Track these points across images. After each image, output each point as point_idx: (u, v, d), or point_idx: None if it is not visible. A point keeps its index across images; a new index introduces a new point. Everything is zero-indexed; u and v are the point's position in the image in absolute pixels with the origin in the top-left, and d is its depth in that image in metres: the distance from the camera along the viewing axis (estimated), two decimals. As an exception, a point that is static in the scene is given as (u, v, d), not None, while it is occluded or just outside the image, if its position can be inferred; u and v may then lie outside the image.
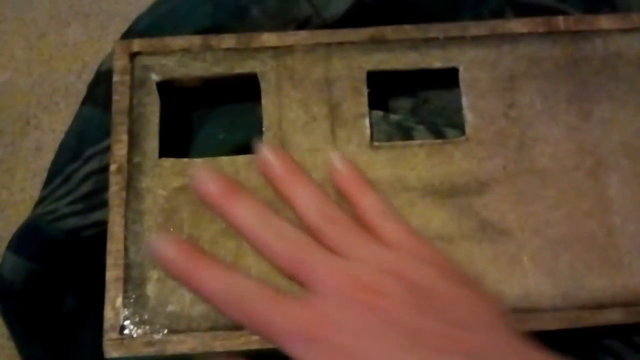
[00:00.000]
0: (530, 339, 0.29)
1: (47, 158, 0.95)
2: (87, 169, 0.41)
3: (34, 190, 0.94)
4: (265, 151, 0.33)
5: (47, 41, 1.04)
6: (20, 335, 0.42)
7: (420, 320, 0.27)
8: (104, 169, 0.40)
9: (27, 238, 0.41)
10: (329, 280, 0.28)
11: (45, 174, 0.96)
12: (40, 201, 0.43)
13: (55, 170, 0.43)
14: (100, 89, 0.43)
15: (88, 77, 1.05)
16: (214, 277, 0.29)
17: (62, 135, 0.97)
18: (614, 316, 0.35)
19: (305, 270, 0.29)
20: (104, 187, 0.40)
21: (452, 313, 0.28)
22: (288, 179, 0.32)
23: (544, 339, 0.35)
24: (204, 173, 0.32)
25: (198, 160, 0.37)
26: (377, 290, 0.28)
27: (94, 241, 0.40)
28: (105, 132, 0.40)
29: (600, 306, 0.35)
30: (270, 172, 0.32)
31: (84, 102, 0.44)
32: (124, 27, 1.14)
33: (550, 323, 0.35)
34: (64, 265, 0.41)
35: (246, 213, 0.30)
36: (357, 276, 0.28)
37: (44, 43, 1.04)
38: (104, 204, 0.39)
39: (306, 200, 0.31)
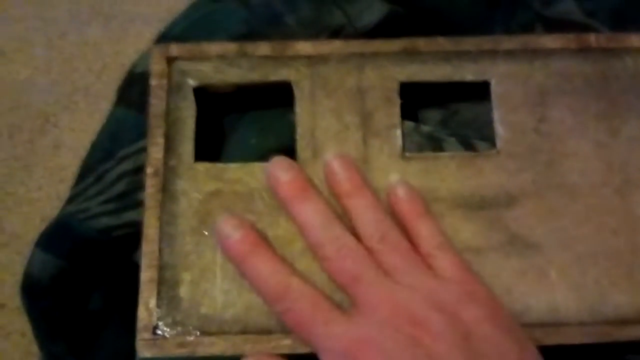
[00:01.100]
0: None
1: (65, 156, 0.97)
2: (120, 169, 0.42)
3: (52, 188, 0.95)
4: (334, 161, 0.33)
5: (68, 40, 1.05)
6: (44, 332, 0.42)
7: (456, 359, 0.27)
8: (138, 170, 0.40)
9: (57, 236, 0.42)
10: (378, 302, 0.29)
11: (63, 173, 0.98)
12: (71, 199, 0.43)
13: (87, 169, 0.43)
14: (133, 90, 0.44)
15: (107, 77, 1.07)
16: (271, 269, 0.30)
17: (80, 134, 0.98)
18: (638, 332, 0.35)
19: (357, 286, 0.29)
20: (136, 187, 0.40)
21: (491, 357, 0.28)
22: (353, 194, 0.32)
23: (569, 353, 0.36)
24: (282, 163, 0.32)
25: (232, 165, 0.38)
26: (423, 323, 0.28)
27: (125, 241, 0.41)
28: (139, 133, 0.41)
29: (625, 322, 0.35)
30: (337, 184, 0.33)
31: (117, 103, 0.45)
32: (144, 29, 1.16)
33: (576, 337, 0.35)
34: (92, 264, 0.41)
35: (313, 214, 0.31)
36: (406, 305, 0.29)
37: (65, 42, 1.05)
38: (136, 205, 0.40)
39: (367, 219, 0.32)
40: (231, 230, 0.31)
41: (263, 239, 0.31)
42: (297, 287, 0.30)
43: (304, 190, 0.32)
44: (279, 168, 0.32)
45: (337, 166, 0.33)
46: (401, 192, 0.34)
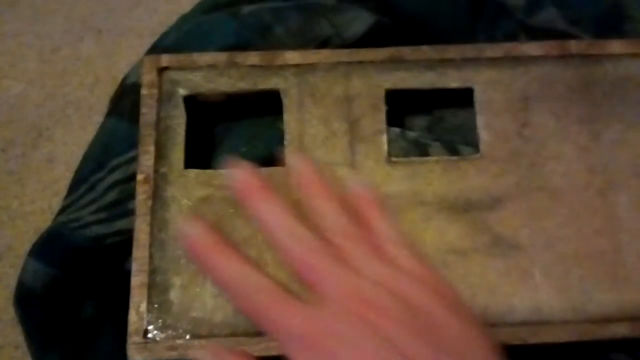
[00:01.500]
0: None
1: (58, 170, 0.97)
2: (111, 178, 0.42)
3: (45, 201, 0.95)
4: (295, 161, 0.34)
5: (61, 55, 1.06)
6: (38, 342, 0.43)
7: (408, 340, 0.29)
8: (129, 179, 0.41)
9: (50, 245, 0.42)
10: (333, 289, 0.30)
11: (56, 186, 0.98)
12: (63, 209, 0.44)
13: (79, 180, 0.44)
14: (125, 101, 0.44)
15: (101, 91, 1.08)
16: (231, 267, 0.31)
17: (74, 148, 0.99)
18: (621, 330, 0.36)
19: (315, 277, 0.31)
20: (128, 196, 0.41)
21: (442, 339, 0.29)
22: (310, 187, 0.34)
23: (554, 352, 0.36)
24: (237, 169, 0.33)
25: (222, 171, 0.38)
26: (374, 305, 0.30)
27: (117, 249, 0.41)
28: (130, 143, 0.41)
29: (608, 320, 0.36)
30: (297, 180, 0.34)
31: (109, 113, 0.45)
32: (136, 43, 1.16)
33: (560, 335, 0.36)
34: (85, 273, 0.42)
35: (271, 211, 0.32)
36: (357, 288, 0.30)
37: (58, 57, 1.06)
38: (128, 213, 0.40)
39: (325, 212, 0.33)
40: (190, 229, 0.32)
41: (222, 235, 0.33)
42: (256, 280, 0.31)
43: (261, 189, 0.33)
44: (236, 170, 0.34)
45: (295, 162, 0.34)
46: (358, 187, 0.35)
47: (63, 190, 0.45)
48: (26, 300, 0.42)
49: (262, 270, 0.31)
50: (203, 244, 0.32)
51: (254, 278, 0.31)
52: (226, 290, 0.32)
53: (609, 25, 0.46)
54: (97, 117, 0.47)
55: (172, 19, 0.49)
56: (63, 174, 0.95)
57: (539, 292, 0.36)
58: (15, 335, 0.82)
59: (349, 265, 0.31)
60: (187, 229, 0.32)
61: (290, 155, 0.36)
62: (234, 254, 0.32)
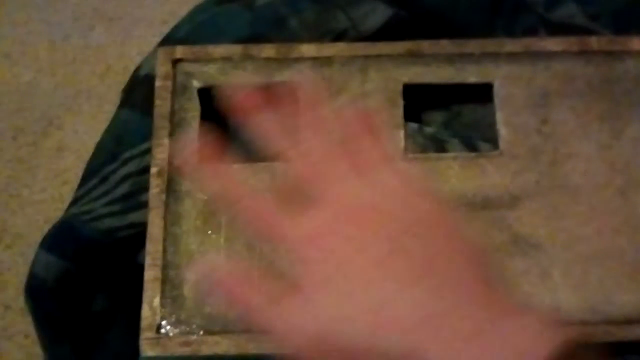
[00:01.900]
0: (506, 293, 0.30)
1: (68, 159, 0.97)
2: (124, 170, 0.42)
3: (55, 190, 0.95)
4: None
5: (71, 43, 1.06)
6: (48, 334, 0.43)
7: (406, 242, 0.29)
8: (142, 171, 0.41)
9: (62, 237, 0.42)
10: (334, 196, 0.31)
11: (66, 175, 0.98)
12: (75, 201, 0.43)
13: (91, 171, 0.44)
14: (138, 93, 0.44)
15: (111, 79, 1.08)
16: (225, 182, 0.32)
17: (84, 137, 0.99)
18: (641, 332, 0.36)
19: (316, 184, 0.32)
20: (141, 189, 0.40)
21: (439, 245, 0.30)
22: (312, 106, 0.34)
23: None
24: (235, 88, 0.34)
25: (237, 166, 0.38)
26: (375, 209, 0.31)
27: (129, 242, 0.41)
28: (143, 135, 0.41)
29: (628, 321, 0.36)
30: (303, 95, 0.34)
31: (122, 105, 0.45)
32: (147, 32, 1.16)
33: (579, 337, 0.35)
34: (97, 265, 0.41)
35: (272, 125, 0.33)
36: (358, 196, 0.31)
37: (68, 45, 1.06)
38: (140, 206, 0.40)
39: (328, 125, 0.33)
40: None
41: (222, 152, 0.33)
42: (251, 191, 0.32)
43: (260, 104, 0.34)
44: (233, 90, 0.34)
45: (305, 81, 0.36)
46: (353, 110, 0.36)
47: (73, 179, 0.45)
48: (37, 292, 0.42)
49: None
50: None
51: (249, 189, 0.32)
52: (226, 204, 0.32)
53: (629, 20, 0.46)
54: (108, 106, 0.46)
55: (183, 8, 0.49)
56: (73, 162, 0.95)
57: (558, 292, 0.36)
58: (25, 324, 0.82)
59: (347, 175, 0.32)
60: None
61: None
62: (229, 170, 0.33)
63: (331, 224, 0.31)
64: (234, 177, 0.33)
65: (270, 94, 0.35)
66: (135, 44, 1.05)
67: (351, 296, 0.29)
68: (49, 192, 0.96)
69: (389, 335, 0.28)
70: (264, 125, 0.33)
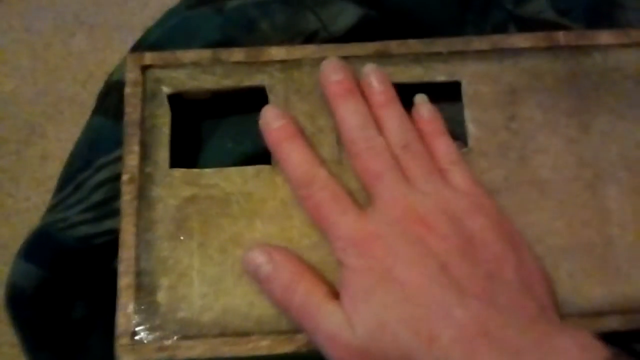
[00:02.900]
0: (556, 311, 0.30)
1: (52, 167, 0.97)
2: (98, 178, 0.42)
3: (39, 199, 0.95)
4: (372, 74, 0.37)
5: (53, 51, 1.06)
6: (30, 342, 0.43)
7: (454, 260, 0.30)
8: (115, 178, 0.41)
9: (38, 245, 0.42)
10: (392, 201, 0.32)
11: (50, 183, 0.97)
12: (51, 209, 0.44)
13: (66, 179, 0.44)
14: (110, 99, 0.44)
15: (93, 86, 1.08)
16: (302, 157, 0.34)
17: (67, 144, 0.98)
18: (612, 323, 0.36)
19: (377, 185, 0.33)
20: (115, 196, 0.41)
21: (489, 263, 0.30)
22: (385, 104, 0.36)
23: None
24: (334, 64, 0.37)
25: (208, 171, 0.38)
26: (429, 224, 0.31)
27: (105, 249, 0.41)
28: (116, 142, 0.41)
29: (599, 314, 0.36)
30: (371, 94, 0.36)
31: (95, 112, 0.45)
32: (128, 38, 1.17)
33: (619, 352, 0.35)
34: (74, 273, 0.42)
35: (353, 112, 0.35)
36: (417, 207, 0.32)
37: (49, 53, 1.06)
38: (115, 213, 0.40)
39: (396, 128, 0.35)
40: (273, 119, 0.35)
41: (300, 131, 0.35)
42: (323, 177, 0.33)
43: (349, 91, 0.35)
44: (331, 68, 0.36)
45: (374, 79, 0.37)
46: (424, 111, 0.37)
47: (57, 188, 0.45)
48: (17, 301, 0.42)
49: (330, 169, 0.34)
50: (279, 133, 0.35)
51: (323, 175, 0.33)
52: (292, 178, 0.34)
53: (600, 14, 0.46)
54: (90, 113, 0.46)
55: (163, 12, 0.49)
56: (57, 170, 0.95)
57: (528, 287, 0.36)
58: (11, 333, 0.82)
59: (411, 180, 0.33)
60: (269, 118, 0.35)
61: (369, 67, 0.38)
62: (306, 148, 0.35)
63: (382, 231, 0.31)
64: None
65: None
66: (117, 50, 1.05)
67: (394, 308, 0.29)
68: (33, 200, 0.96)
69: (434, 347, 0.28)
70: (345, 111, 0.35)
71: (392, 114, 0.36)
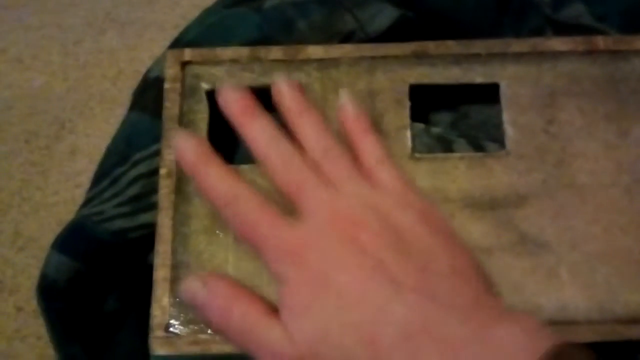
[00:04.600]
0: (495, 296, 0.30)
1: (81, 162, 0.98)
2: (134, 172, 0.42)
3: (68, 193, 0.96)
4: (282, 84, 0.35)
5: (83, 47, 1.07)
6: (60, 334, 0.43)
7: (388, 256, 0.29)
8: (152, 173, 0.41)
9: (73, 238, 0.42)
10: (318, 207, 0.31)
11: (79, 178, 0.99)
12: (87, 202, 0.44)
13: (102, 173, 0.44)
14: (148, 95, 0.44)
15: (123, 83, 1.08)
16: (221, 179, 0.32)
17: (96, 140, 1.00)
18: (649, 331, 0.35)
19: (300, 195, 0.32)
20: (151, 190, 0.41)
21: (421, 256, 0.30)
22: (298, 112, 0.34)
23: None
24: (230, 91, 0.35)
25: (244, 167, 0.38)
26: (358, 224, 0.30)
27: (140, 243, 0.41)
28: (153, 137, 0.41)
29: (635, 320, 0.36)
30: (282, 103, 0.35)
31: (132, 107, 0.45)
32: (158, 36, 1.17)
33: (585, 335, 0.35)
34: (108, 266, 0.42)
35: (261, 130, 0.33)
36: (343, 209, 0.31)
37: (80, 49, 1.07)
38: (150, 207, 0.41)
39: (311, 134, 0.34)
40: (184, 143, 0.33)
41: (214, 152, 0.33)
42: (245, 193, 0.32)
43: (252, 110, 0.34)
44: (226, 92, 0.34)
45: (284, 88, 0.35)
46: (348, 109, 0.36)
47: (85, 182, 0.46)
48: (49, 292, 0.42)
49: (252, 185, 0.32)
50: (192, 155, 0.33)
51: (243, 190, 0.32)
52: (214, 202, 0.32)
53: (636, 20, 0.45)
54: (120, 110, 0.47)
55: (194, 12, 0.49)
56: (86, 166, 0.96)
57: (565, 291, 0.36)
58: (37, 326, 0.83)
59: (332, 183, 0.32)
60: (179, 143, 0.34)
61: (279, 78, 0.36)
62: (223, 167, 0.33)
63: (312, 238, 0.30)
64: (228, 178, 0.33)
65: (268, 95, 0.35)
66: (147, 47, 1.06)
67: (335, 315, 0.28)
68: (62, 195, 0.97)
69: (378, 350, 0.28)
70: (252, 131, 0.33)
71: (307, 120, 0.34)
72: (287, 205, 0.33)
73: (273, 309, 0.30)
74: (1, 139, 1.00)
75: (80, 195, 0.89)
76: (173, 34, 0.48)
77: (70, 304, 0.42)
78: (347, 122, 0.36)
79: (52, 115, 1.02)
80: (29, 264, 0.89)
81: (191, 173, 0.34)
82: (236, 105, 0.35)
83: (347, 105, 0.37)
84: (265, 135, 0.34)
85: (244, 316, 0.30)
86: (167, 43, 0.47)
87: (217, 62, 0.40)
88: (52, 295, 0.42)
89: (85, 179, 0.46)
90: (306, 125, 0.35)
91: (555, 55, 0.40)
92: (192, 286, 0.32)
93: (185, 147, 0.34)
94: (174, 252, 0.37)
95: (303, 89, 0.36)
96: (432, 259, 0.30)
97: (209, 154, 0.34)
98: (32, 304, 0.85)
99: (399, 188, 0.34)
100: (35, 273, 0.42)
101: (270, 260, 0.30)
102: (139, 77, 0.47)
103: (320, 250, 0.30)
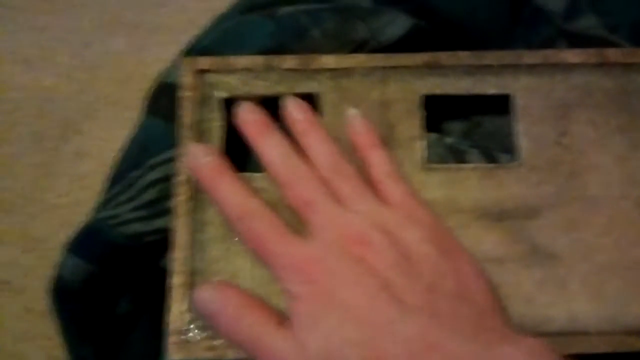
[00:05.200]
0: (506, 318, 0.30)
1: (88, 164, 0.99)
2: (150, 177, 0.43)
3: (74, 195, 0.97)
4: (290, 103, 0.37)
5: (91, 50, 1.07)
6: (73, 335, 0.44)
7: (395, 275, 0.30)
8: (167, 178, 0.42)
9: (89, 240, 0.43)
10: (327, 224, 0.32)
11: (85, 180, 0.99)
12: (101, 206, 0.44)
13: (117, 177, 0.45)
14: (163, 100, 0.45)
15: (130, 86, 1.09)
16: (234, 193, 0.34)
17: (103, 142, 1.00)
18: (658, 342, 0.36)
19: (310, 211, 0.33)
20: (166, 195, 0.41)
21: (428, 276, 0.31)
22: (307, 131, 0.36)
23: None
24: (246, 107, 0.36)
25: (257, 175, 0.39)
26: (366, 243, 0.31)
27: (154, 247, 0.42)
28: (168, 143, 0.42)
29: None
30: (291, 122, 0.36)
31: (147, 112, 0.46)
32: (166, 39, 1.18)
33: (596, 346, 0.36)
34: (122, 269, 0.42)
35: (273, 149, 0.35)
36: (351, 227, 0.32)
37: (88, 52, 1.07)
38: (166, 212, 0.41)
39: (321, 151, 0.35)
40: (200, 156, 0.35)
41: (228, 165, 0.35)
42: (257, 208, 0.33)
43: (266, 128, 0.36)
44: (245, 110, 0.37)
45: (293, 108, 0.37)
46: (356, 124, 0.37)
47: (92, 184, 0.46)
48: (64, 294, 0.42)
49: (265, 201, 0.34)
50: (208, 170, 0.34)
51: (256, 206, 0.33)
52: (226, 214, 0.34)
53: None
54: (127, 112, 0.47)
55: (202, 16, 0.50)
56: (93, 167, 0.96)
57: (575, 303, 0.36)
58: (47, 326, 0.83)
59: (343, 201, 0.33)
60: (195, 155, 0.34)
61: (288, 98, 0.38)
62: (236, 180, 0.35)
63: (321, 256, 0.31)
64: (239, 190, 0.33)
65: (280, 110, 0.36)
66: (154, 51, 1.07)
67: (341, 331, 0.29)
68: (69, 197, 0.97)
69: None
70: (265, 148, 0.35)
71: (315, 138, 0.36)
72: (297, 216, 0.34)
73: (283, 319, 0.31)
74: (8, 140, 1.01)
75: (86, 197, 0.90)
76: (181, 37, 0.48)
77: (84, 305, 0.43)
78: (355, 136, 0.37)
79: (60, 117, 1.02)
80: (37, 265, 0.90)
81: (204, 185, 0.35)
82: (252, 123, 0.36)
83: (355, 120, 0.38)
84: (277, 152, 0.35)
85: (253, 325, 0.31)
86: (175, 46, 0.47)
87: (231, 71, 0.41)
88: (66, 296, 0.42)
89: (92, 181, 0.46)
90: (315, 143, 0.36)
91: (568, 67, 0.41)
92: (203, 294, 0.32)
93: (199, 159, 0.35)
94: (190, 258, 0.37)
95: (310, 108, 0.37)
96: (438, 279, 0.31)
97: (222, 167, 0.35)
98: (40, 304, 0.85)
99: (408, 203, 0.34)
100: (43, 274, 0.43)
101: (280, 276, 0.31)
102: (146, 80, 0.48)
103: (329, 268, 0.30)
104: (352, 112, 0.38)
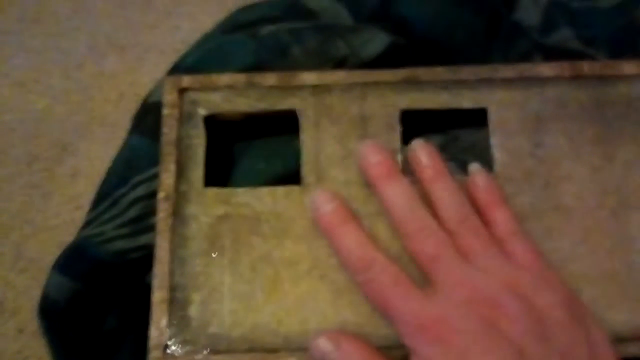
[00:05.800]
0: None
1: (82, 184, 0.99)
2: (134, 194, 0.43)
3: (69, 215, 0.97)
4: (419, 148, 0.36)
5: (85, 71, 1.08)
6: (61, 353, 0.44)
7: (529, 343, 0.29)
8: (151, 195, 0.42)
9: (74, 259, 0.43)
10: (455, 282, 0.31)
11: (80, 200, 1.00)
12: (87, 224, 0.45)
13: (102, 195, 0.45)
14: (147, 119, 0.46)
15: (124, 106, 1.10)
16: (357, 242, 0.33)
17: (97, 163, 1.01)
18: (634, 349, 0.36)
19: (436, 266, 0.32)
20: (150, 212, 0.42)
21: (561, 343, 0.29)
22: (436, 179, 0.35)
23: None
24: (373, 147, 0.36)
25: (240, 190, 0.39)
26: (499, 306, 0.30)
27: (139, 264, 0.42)
28: (152, 160, 0.43)
29: (621, 340, 0.36)
30: (421, 170, 0.35)
31: (132, 131, 0.46)
32: (159, 60, 1.19)
33: None
34: (108, 286, 0.43)
35: (399, 194, 0.34)
36: (482, 287, 0.31)
37: (82, 73, 1.08)
38: (150, 229, 0.41)
39: (449, 203, 0.34)
40: (324, 203, 0.34)
41: (352, 213, 0.34)
42: (381, 261, 0.32)
43: (391, 172, 0.35)
44: (369, 151, 0.36)
45: (421, 153, 0.36)
46: (480, 180, 0.37)
47: (86, 205, 0.46)
48: (50, 313, 0.43)
49: (386, 252, 0.33)
50: (332, 218, 0.34)
51: (379, 258, 0.32)
52: (345, 262, 0.33)
53: (624, 44, 0.47)
54: (121, 133, 0.48)
55: (194, 36, 0.50)
56: (86, 188, 0.97)
57: (551, 311, 0.37)
58: (39, 347, 0.83)
59: (470, 257, 0.32)
60: (320, 203, 0.35)
61: (417, 142, 0.37)
62: (361, 232, 0.34)
63: (448, 315, 0.30)
64: None
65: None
66: (147, 71, 1.08)
67: None
68: (63, 217, 0.98)
69: None
70: (390, 194, 0.34)
71: (443, 187, 0.35)
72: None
73: None
74: (3, 161, 1.01)
75: (81, 217, 0.90)
76: (173, 58, 0.49)
77: (70, 323, 0.43)
78: (478, 192, 0.36)
79: (54, 138, 1.03)
80: (30, 286, 0.90)
81: (326, 232, 0.34)
82: (376, 166, 0.35)
83: (478, 176, 0.37)
84: (403, 200, 0.34)
85: None
86: (168, 67, 0.48)
87: (214, 88, 0.41)
88: (53, 315, 0.43)
89: (86, 201, 0.47)
90: (445, 194, 0.35)
91: (542, 80, 0.41)
92: (324, 346, 0.32)
93: (323, 206, 0.34)
94: (171, 274, 0.38)
95: (437, 153, 0.37)
96: (572, 347, 0.30)
97: (346, 215, 0.34)
98: (33, 325, 0.86)
99: (537, 265, 0.33)
100: (36, 295, 0.43)
101: (405, 334, 0.30)
102: (140, 101, 0.48)
103: (459, 328, 0.29)
104: (475, 167, 0.37)
